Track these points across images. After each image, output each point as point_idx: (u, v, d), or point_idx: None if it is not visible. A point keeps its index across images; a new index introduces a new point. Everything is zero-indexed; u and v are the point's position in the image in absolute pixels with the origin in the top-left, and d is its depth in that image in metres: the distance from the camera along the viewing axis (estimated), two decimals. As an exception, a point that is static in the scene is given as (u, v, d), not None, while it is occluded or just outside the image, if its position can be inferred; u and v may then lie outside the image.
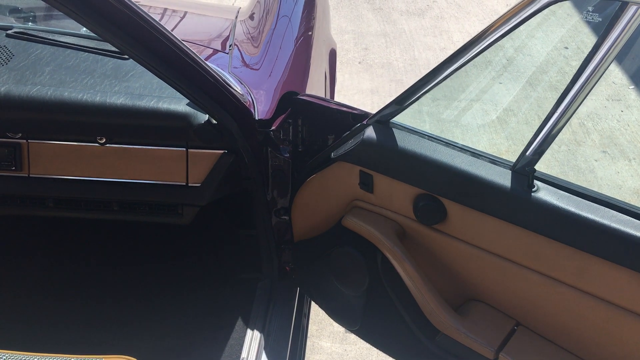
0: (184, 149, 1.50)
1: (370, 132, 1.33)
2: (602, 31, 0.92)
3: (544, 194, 1.14)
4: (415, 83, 1.22)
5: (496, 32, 1.03)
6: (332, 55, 2.23)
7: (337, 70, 4.04)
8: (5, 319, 1.67)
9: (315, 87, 1.92)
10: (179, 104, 1.38)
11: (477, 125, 3.32)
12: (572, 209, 1.11)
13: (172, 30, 1.85)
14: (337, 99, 3.45)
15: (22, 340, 1.54)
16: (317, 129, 1.50)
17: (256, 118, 1.40)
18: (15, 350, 1.29)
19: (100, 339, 1.57)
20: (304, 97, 1.49)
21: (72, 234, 1.88)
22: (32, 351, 1.29)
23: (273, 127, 1.44)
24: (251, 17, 2.04)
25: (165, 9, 2.08)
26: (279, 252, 1.67)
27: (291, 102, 1.49)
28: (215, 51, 1.71)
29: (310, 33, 2.07)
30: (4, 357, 1.28)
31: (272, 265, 1.70)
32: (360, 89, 3.81)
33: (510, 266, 1.24)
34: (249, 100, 1.43)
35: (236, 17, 2.04)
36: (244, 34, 1.87)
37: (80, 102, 1.37)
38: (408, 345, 1.43)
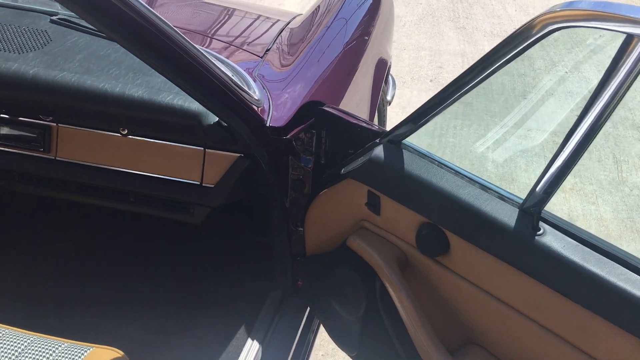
0: (202, 148, 1.50)
1: (379, 152, 1.26)
2: (608, 65, 0.82)
3: (550, 239, 1.03)
4: (428, 101, 1.15)
5: (501, 57, 0.95)
6: (381, 69, 2.17)
7: (406, 86, 3.98)
8: (11, 295, 1.74)
9: (354, 101, 1.87)
10: (193, 102, 1.38)
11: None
12: (576, 259, 0.99)
13: (211, 28, 1.89)
14: (401, 115, 3.38)
15: (24, 318, 1.59)
16: (339, 142, 1.46)
17: (268, 124, 1.37)
18: (14, 327, 1.33)
19: (98, 328, 1.59)
20: (328, 109, 1.45)
21: (92, 220, 1.93)
22: (32, 330, 1.33)
23: (288, 136, 1.40)
24: (303, 24, 2.02)
25: (222, 9, 2.10)
26: (294, 263, 1.63)
27: (315, 112, 1.45)
28: (250, 54, 1.70)
29: (362, 46, 2.03)
30: (2, 332, 1.32)
31: (286, 276, 1.66)
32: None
33: (510, 313, 1.13)
34: (265, 106, 1.40)
35: (288, 23, 2.02)
36: (287, 40, 1.85)
37: (100, 91, 1.39)
38: (400, 380, 1.35)
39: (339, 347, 1.56)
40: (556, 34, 0.83)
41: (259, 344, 1.55)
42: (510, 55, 0.93)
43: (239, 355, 1.54)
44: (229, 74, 1.30)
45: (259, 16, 2.11)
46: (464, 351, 1.25)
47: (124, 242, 1.92)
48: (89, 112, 1.46)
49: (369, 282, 1.33)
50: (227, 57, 1.58)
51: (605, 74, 0.83)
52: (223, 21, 1.99)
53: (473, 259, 1.16)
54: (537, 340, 1.10)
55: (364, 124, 1.39)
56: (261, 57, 1.68)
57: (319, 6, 2.17)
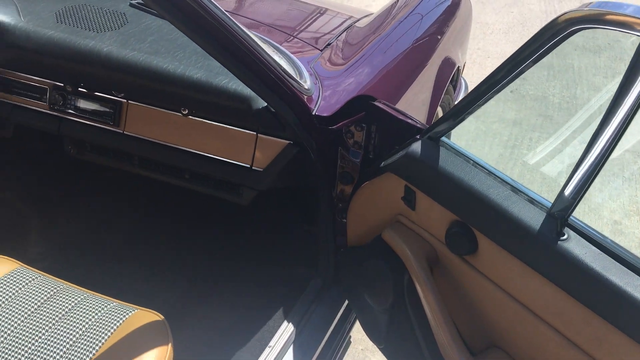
0: (255, 133, 1.56)
1: (416, 147, 1.28)
2: (630, 67, 0.79)
3: (572, 245, 1.01)
4: (463, 99, 1.15)
5: (529, 56, 0.94)
6: (447, 72, 2.16)
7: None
8: (75, 254, 1.90)
9: (415, 101, 1.88)
10: (246, 87, 1.44)
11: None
12: (597, 268, 0.97)
13: (281, 20, 1.96)
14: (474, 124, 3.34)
15: (82, 274, 1.73)
16: (388, 138, 1.48)
17: (314, 113, 1.41)
18: (71, 283, 1.46)
19: (144, 292, 1.70)
20: (378, 104, 1.48)
21: (152, 193, 2.06)
22: (87, 287, 1.45)
23: (334, 127, 1.44)
24: (371, 23, 2.05)
25: (296, 2, 2.18)
26: (337, 254, 1.67)
27: (366, 107, 1.48)
28: (311, 47, 1.76)
29: (432, 45, 2.04)
30: (61, 287, 1.45)
31: (328, 266, 1.70)
32: (503, 119, 3.62)
33: (530, 317, 1.12)
34: (314, 96, 1.45)
35: (356, 21, 2.07)
36: (350, 37, 1.89)
37: (163, 71, 1.49)
38: (422, 375, 1.36)
39: (369, 338, 1.58)
40: (579, 34, 0.82)
41: (294, 327, 1.60)
42: (537, 54, 0.92)
43: (273, 335, 1.59)
44: (281, 62, 1.35)
45: (330, 12, 2.17)
46: (485, 353, 1.24)
47: (179, 217, 2.04)
48: (154, 91, 1.56)
49: (399, 275, 1.35)
50: (288, 48, 1.64)
51: (627, 76, 0.81)
52: (294, 14, 2.06)
53: (499, 261, 1.15)
54: (554, 347, 1.08)
55: (412, 122, 1.41)
56: (321, 51, 1.73)
57: (395, 3, 2.20)
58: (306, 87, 1.42)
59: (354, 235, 1.60)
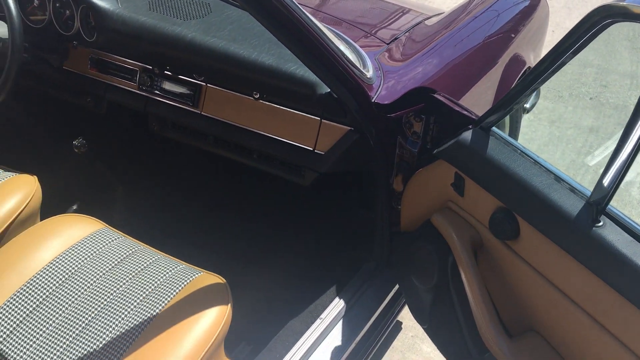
0: (319, 118, 1.67)
1: (467, 136, 1.34)
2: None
3: (607, 232, 1.05)
4: (510, 90, 1.21)
5: (569, 48, 0.99)
6: (516, 73, 2.18)
7: (562, 101, 3.84)
8: (151, 221, 2.09)
9: (481, 98, 1.93)
10: (312, 73, 1.55)
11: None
12: (627, 253, 1.00)
13: (353, 13, 2.07)
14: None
15: (157, 236, 1.90)
16: (446, 130, 1.55)
17: (373, 100, 1.50)
18: (147, 245, 1.62)
19: (211, 257, 1.85)
20: (438, 97, 1.55)
21: (223, 169, 2.22)
22: (160, 249, 1.62)
23: (392, 115, 1.52)
24: (441, 21, 2.12)
25: None
26: (391, 240, 1.75)
27: (426, 98, 1.56)
28: (379, 40, 1.85)
29: (505, 44, 2.08)
30: (138, 247, 1.62)
31: (382, 250, 1.79)
32: (579, 126, 3.56)
33: (566, 303, 1.16)
34: (375, 85, 1.53)
35: (426, 18, 2.14)
36: (418, 33, 1.97)
37: (239, 56, 1.63)
38: (461, 355, 1.42)
39: (415, 319, 1.65)
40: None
41: (344, 303, 1.70)
42: (576, 46, 0.97)
43: (324, 308, 1.70)
44: (346, 52, 1.45)
45: (402, 9, 2.25)
46: (522, 336, 1.29)
47: (247, 194, 2.20)
48: (229, 75, 1.70)
49: (444, 257, 1.41)
50: (357, 40, 1.74)
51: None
52: (367, 10, 2.16)
53: (539, 247, 1.20)
54: (586, 331, 1.12)
55: (468, 114, 1.47)
56: (387, 44, 1.81)
57: (471, 0, 2.25)
58: (368, 76, 1.51)
59: (407, 220, 1.67)
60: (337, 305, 1.69)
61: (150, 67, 1.86)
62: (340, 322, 1.67)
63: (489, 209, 1.31)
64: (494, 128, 1.32)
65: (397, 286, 1.80)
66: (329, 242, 1.98)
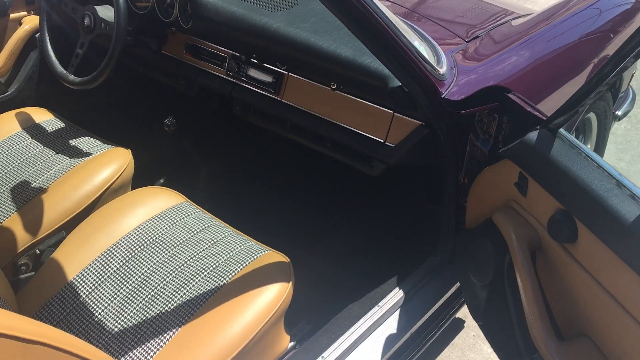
0: (392, 112, 1.72)
1: (533, 136, 1.34)
2: None
3: None
4: (576, 92, 1.20)
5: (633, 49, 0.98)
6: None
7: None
8: (228, 199, 2.24)
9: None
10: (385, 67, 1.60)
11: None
12: None
13: (437, 9, 2.09)
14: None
15: (230, 217, 2.02)
16: (518, 130, 1.55)
17: (443, 96, 1.53)
18: (221, 220, 1.75)
19: (277, 237, 1.95)
20: (512, 97, 1.55)
21: (298, 155, 2.32)
22: (233, 227, 1.74)
23: (462, 112, 1.54)
24: (528, 21, 2.09)
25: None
26: (456, 236, 1.78)
27: (499, 97, 1.57)
28: (458, 37, 1.86)
29: (600, 46, 2.03)
30: (213, 222, 1.75)
31: (447, 246, 1.81)
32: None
33: (619, 311, 1.15)
34: (447, 82, 1.56)
35: (514, 18, 2.12)
36: (501, 32, 1.96)
37: (318, 47, 1.70)
38: (511, 354, 1.42)
39: (471, 315, 1.67)
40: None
41: (404, 294, 1.74)
42: (638, 49, 0.96)
43: (383, 297, 1.74)
44: (420, 47, 1.49)
45: (490, 7, 2.24)
46: (573, 340, 1.29)
47: (318, 180, 2.29)
48: (309, 65, 1.78)
49: (501, 255, 1.42)
50: (436, 35, 1.77)
51: None
52: (453, 6, 2.17)
53: (596, 252, 1.19)
54: (638, 342, 1.11)
55: (540, 115, 1.46)
56: (467, 42, 1.82)
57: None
58: (441, 72, 1.54)
59: (472, 217, 1.69)
60: (396, 294, 1.73)
61: (238, 55, 1.97)
62: (398, 312, 1.71)
63: (548, 211, 1.31)
64: (561, 130, 1.32)
65: (458, 284, 1.82)
66: (393, 232, 2.03)
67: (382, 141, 1.73)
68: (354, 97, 1.76)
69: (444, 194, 1.73)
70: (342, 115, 1.80)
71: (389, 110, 1.71)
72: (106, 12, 2.02)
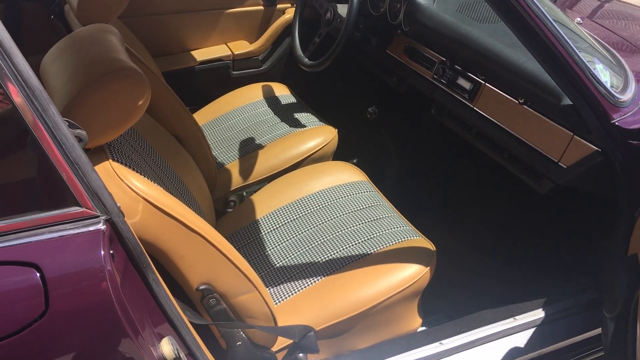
0: (571, 133, 1.71)
1: None
2: None
3: None
4: None
5: None
6: None
7: None
8: (405, 188, 2.47)
9: None
10: None
11: None
12: None
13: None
14: None
15: (399, 203, 2.21)
16: None
17: (614, 121, 1.49)
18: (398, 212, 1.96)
19: (431, 229, 2.07)
20: None
21: (477, 161, 2.38)
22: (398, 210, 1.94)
23: (634, 142, 1.49)
24: None
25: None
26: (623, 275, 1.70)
27: None
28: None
29: None
30: (383, 203, 1.97)
31: (612, 283, 1.75)
32: None
33: None
34: (628, 109, 1.51)
35: None
36: None
37: (508, 60, 1.78)
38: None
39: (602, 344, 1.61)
40: None
41: (544, 316, 1.73)
42: None
43: (521, 313, 1.75)
44: (602, 70, 1.49)
45: None
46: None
47: (487, 188, 2.36)
48: (501, 77, 1.86)
49: (632, 290, 1.38)
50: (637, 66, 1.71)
51: None
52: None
53: None
54: None
55: None
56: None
57: None
58: (621, 98, 1.50)
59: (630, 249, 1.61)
60: (535, 314, 1.74)
61: (444, 60, 2.14)
62: (531, 331, 1.72)
63: None
64: None
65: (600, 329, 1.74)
66: (550, 253, 2.00)
67: (556, 161, 1.75)
68: (537, 114, 1.80)
69: (614, 229, 1.67)
70: (524, 130, 1.85)
71: (569, 132, 1.72)
72: (344, 10, 2.36)
